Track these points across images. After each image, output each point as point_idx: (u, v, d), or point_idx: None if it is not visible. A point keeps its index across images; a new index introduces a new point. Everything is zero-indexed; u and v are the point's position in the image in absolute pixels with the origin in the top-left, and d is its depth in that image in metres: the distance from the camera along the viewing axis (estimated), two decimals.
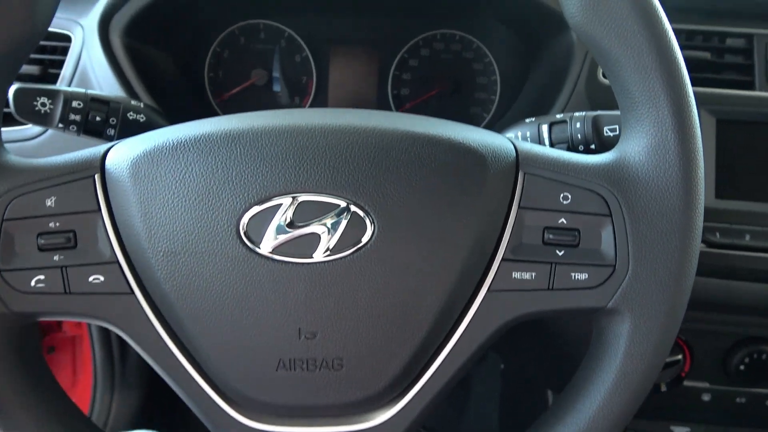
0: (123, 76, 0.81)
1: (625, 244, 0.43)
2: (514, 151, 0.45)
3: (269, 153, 0.42)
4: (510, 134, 0.62)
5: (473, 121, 0.99)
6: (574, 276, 0.43)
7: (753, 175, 0.76)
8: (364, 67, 0.99)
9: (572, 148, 0.59)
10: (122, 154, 0.43)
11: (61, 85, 0.82)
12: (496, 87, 0.98)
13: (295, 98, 0.99)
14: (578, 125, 0.58)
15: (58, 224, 0.42)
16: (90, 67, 0.81)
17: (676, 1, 0.82)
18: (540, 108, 0.84)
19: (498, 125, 0.96)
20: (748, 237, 0.74)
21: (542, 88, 0.87)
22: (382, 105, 0.99)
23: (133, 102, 0.62)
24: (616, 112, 0.58)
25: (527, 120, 0.61)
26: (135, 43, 0.83)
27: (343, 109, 0.51)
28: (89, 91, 0.59)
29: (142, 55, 0.84)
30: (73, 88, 0.59)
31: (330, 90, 0.99)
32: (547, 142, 0.59)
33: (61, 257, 0.42)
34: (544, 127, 0.60)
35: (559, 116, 0.60)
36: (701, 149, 0.43)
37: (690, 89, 0.42)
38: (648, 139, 0.42)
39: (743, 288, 0.75)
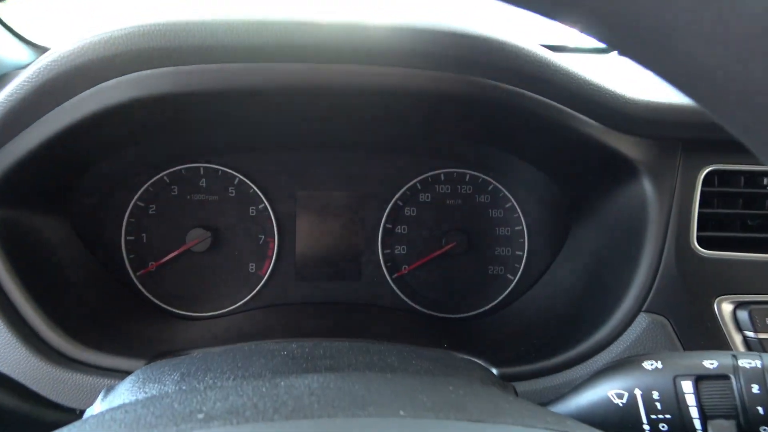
0: None
1: None
2: None
3: None
4: (615, 390, 0.35)
5: (497, 284, 0.72)
6: None
7: None
8: (344, 219, 0.72)
9: (743, 425, 0.32)
10: None
11: None
12: (523, 240, 0.73)
13: (250, 266, 0.71)
14: (756, 389, 0.32)
15: None
16: None
17: None
18: (607, 282, 0.58)
19: (536, 292, 0.70)
20: None
21: (602, 252, 0.61)
22: (371, 271, 0.72)
23: None
24: None
25: (646, 364, 0.35)
26: (6, 213, 0.56)
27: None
28: None
29: (18, 227, 0.57)
30: None
31: (297, 253, 0.72)
32: (695, 411, 0.33)
33: None
34: (686, 385, 0.33)
35: (710, 364, 0.33)
36: None
37: None
38: None
39: None
